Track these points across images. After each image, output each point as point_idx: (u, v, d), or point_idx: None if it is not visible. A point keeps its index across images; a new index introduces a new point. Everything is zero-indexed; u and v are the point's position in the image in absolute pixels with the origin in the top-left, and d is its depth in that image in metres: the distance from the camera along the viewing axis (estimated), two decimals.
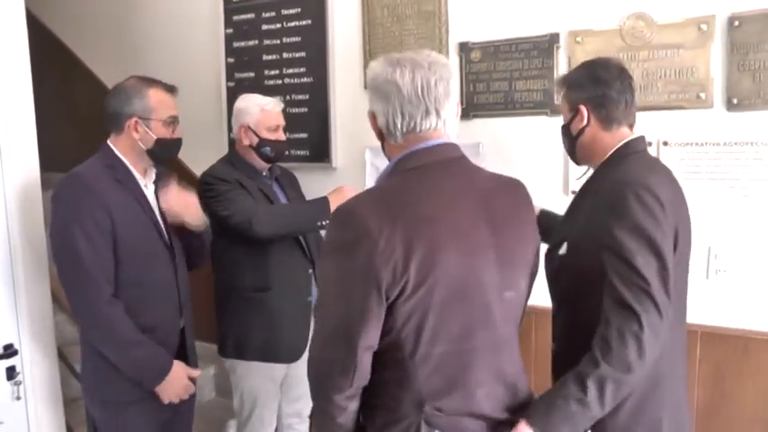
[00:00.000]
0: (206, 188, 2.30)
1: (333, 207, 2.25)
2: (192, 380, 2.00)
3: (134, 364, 1.86)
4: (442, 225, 1.19)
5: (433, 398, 1.21)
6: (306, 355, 2.39)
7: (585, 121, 1.59)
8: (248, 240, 2.24)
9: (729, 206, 2.11)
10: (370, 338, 1.18)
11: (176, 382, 1.92)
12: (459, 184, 1.27)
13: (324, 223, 2.29)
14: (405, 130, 1.26)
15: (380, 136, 1.34)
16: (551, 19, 2.34)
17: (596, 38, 2.26)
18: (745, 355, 2.12)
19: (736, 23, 2.04)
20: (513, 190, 1.36)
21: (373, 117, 1.33)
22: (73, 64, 3.71)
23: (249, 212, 2.22)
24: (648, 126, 2.17)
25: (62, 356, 2.48)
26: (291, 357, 2.37)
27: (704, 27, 2.09)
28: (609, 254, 1.40)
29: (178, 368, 1.93)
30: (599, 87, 1.57)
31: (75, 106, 3.72)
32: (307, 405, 2.61)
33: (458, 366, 1.23)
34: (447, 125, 1.29)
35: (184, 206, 2.01)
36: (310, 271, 2.42)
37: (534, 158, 2.40)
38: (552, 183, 2.37)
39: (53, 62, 3.63)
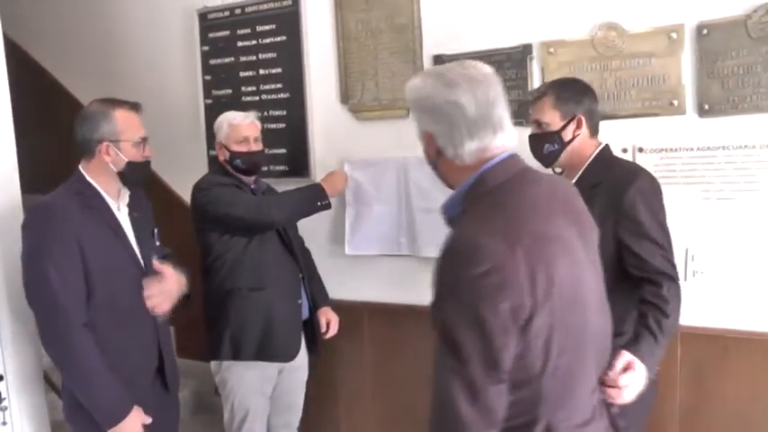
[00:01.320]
0: (202, 195, 2.37)
1: (327, 189, 2.47)
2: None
3: (93, 400, 1.83)
4: (549, 238, 1.16)
5: (561, 407, 1.18)
6: (296, 362, 2.47)
7: (581, 129, 1.87)
8: (252, 233, 2.36)
9: (704, 209, 2.16)
10: (507, 365, 1.13)
11: (130, 429, 1.86)
12: (541, 191, 1.24)
13: (323, 203, 2.44)
14: (474, 150, 1.22)
15: (437, 156, 1.28)
16: (524, 30, 2.37)
17: (569, 48, 2.30)
18: (725, 354, 2.17)
19: (705, 32, 2.10)
20: (568, 187, 1.36)
21: (429, 138, 1.27)
22: (53, 87, 3.68)
23: (254, 203, 2.38)
24: (624, 133, 2.23)
25: (48, 379, 2.45)
26: (285, 357, 2.44)
27: (674, 36, 2.14)
28: (632, 234, 1.74)
29: (135, 416, 1.86)
30: (590, 101, 1.90)
31: (56, 129, 3.65)
32: (296, 415, 2.62)
33: (577, 369, 1.21)
34: (509, 137, 1.26)
35: (166, 297, 1.99)
36: (301, 276, 2.52)
37: None
38: None
39: (33, 86, 3.58)
